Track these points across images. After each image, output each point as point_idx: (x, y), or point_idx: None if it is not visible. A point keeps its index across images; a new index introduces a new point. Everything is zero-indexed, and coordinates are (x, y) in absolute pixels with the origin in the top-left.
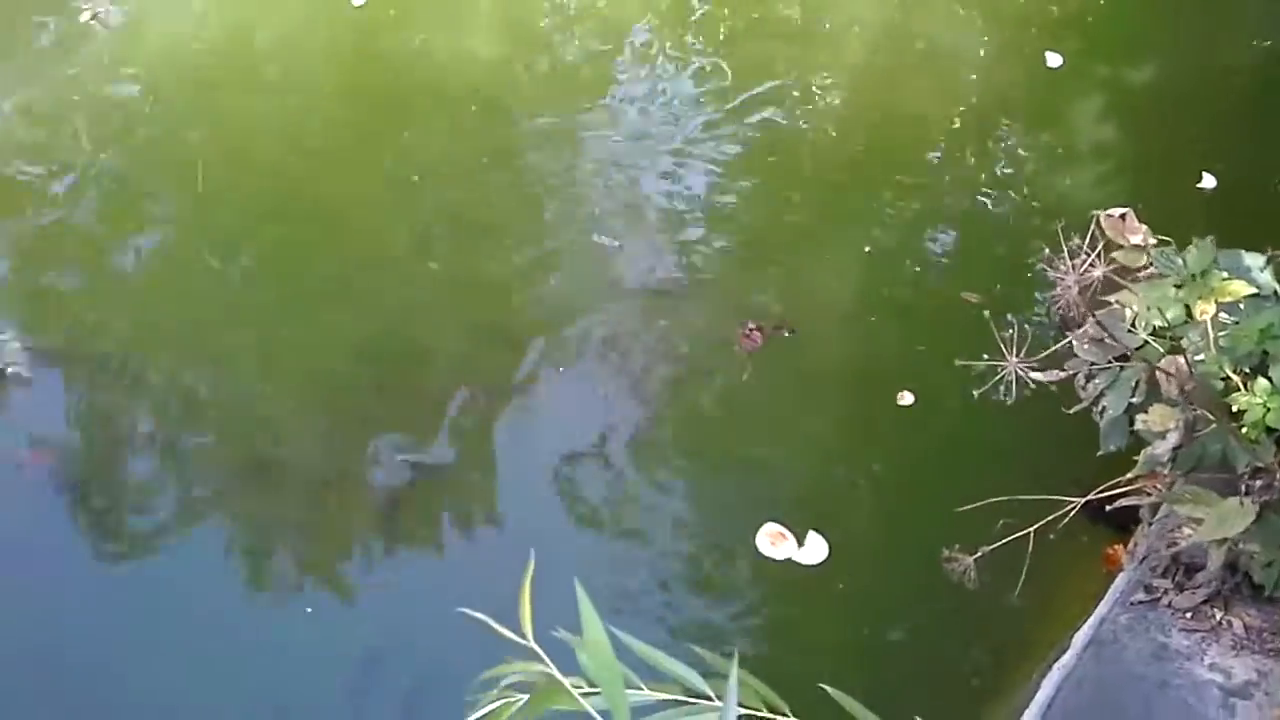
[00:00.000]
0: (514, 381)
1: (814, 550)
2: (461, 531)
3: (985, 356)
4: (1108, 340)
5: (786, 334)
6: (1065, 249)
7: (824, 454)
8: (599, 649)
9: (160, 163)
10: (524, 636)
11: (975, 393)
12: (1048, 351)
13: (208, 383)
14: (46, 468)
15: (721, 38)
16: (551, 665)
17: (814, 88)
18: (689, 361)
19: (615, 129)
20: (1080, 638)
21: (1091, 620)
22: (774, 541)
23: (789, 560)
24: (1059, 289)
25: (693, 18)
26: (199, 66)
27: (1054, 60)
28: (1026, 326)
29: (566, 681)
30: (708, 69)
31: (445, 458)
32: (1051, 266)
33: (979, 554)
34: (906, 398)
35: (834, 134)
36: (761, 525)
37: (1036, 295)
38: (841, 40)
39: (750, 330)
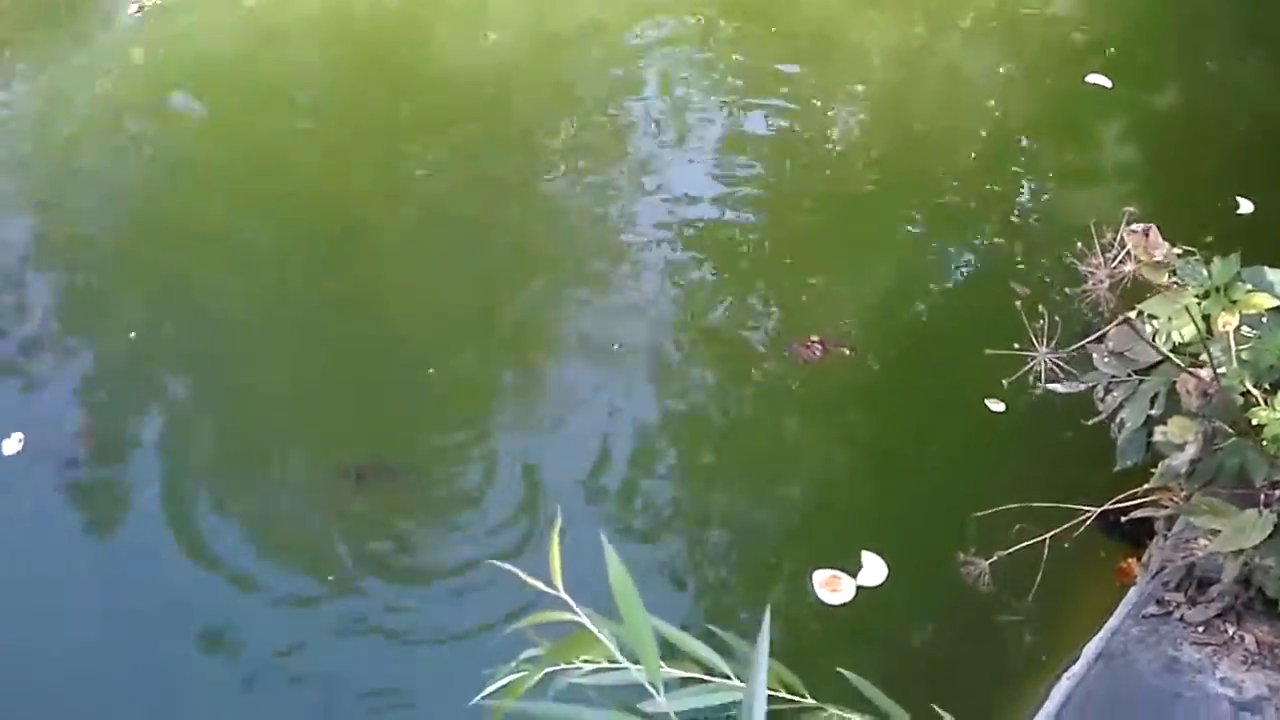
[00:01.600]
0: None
1: (874, 571)
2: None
3: (1015, 346)
4: (1128, 354)
5: (847, 352)
6: (1097, 244)
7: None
8: (621, 582)
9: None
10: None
11: (1005, 381)
12: (1074, 346)
13: None
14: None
15: (747, 58)
16: (581, 613)
17: (843, 102)
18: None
19: (640, 143)
20: (1091, 649)
21: (1103, 632)
22: (832, 588)
23: (860, 590)
24: (1090, 283)
25: (719, 35)
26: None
27: (1105, 82)
28: (1057, 319)
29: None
30: (732, 87)
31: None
32: (1083, 261)
33: (994, 559)
34: (998, 405)
35: (867, 146)
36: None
37: (1067, 290)
38: (868, 59)
39: (812, 342)
